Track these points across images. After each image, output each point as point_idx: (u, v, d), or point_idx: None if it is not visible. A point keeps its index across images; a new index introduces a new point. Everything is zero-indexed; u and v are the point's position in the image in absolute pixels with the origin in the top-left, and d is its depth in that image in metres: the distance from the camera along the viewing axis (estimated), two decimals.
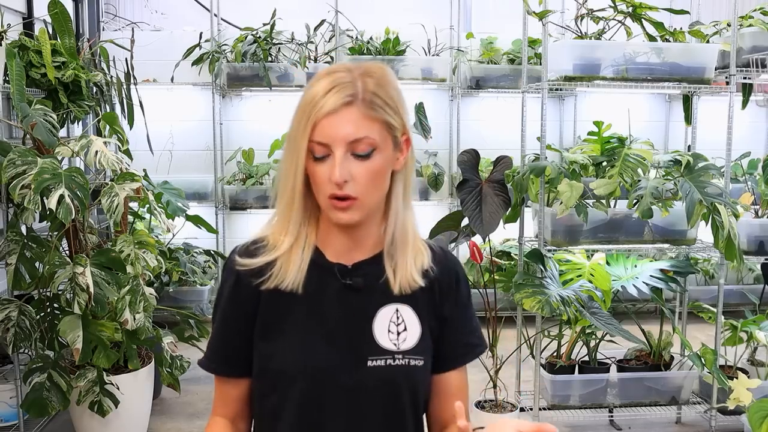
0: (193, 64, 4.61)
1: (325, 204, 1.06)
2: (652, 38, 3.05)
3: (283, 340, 1.11)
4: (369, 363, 1.09)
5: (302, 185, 1.07)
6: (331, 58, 4.65)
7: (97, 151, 2.72)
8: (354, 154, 1.03)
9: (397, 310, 1.13)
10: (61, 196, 2.49)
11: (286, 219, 1.11)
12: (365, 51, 4.59)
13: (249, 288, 1.12)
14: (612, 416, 3.26)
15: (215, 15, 4.59)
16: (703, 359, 3.12)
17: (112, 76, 3.43)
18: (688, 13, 3.17)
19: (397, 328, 1.12)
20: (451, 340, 1.18)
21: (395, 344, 1.11)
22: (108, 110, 3.39)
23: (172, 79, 4.60)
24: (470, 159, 3.03)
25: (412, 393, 1.12)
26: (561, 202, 2.82)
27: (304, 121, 1.03)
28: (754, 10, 3.20)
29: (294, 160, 1.06)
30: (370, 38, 4.66)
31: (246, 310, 1.13)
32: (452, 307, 1.17)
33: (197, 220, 3.90)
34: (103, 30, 4.59)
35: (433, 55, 4.76)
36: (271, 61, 4.51)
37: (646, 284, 3.01)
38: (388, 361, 1.10)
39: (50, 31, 3.17)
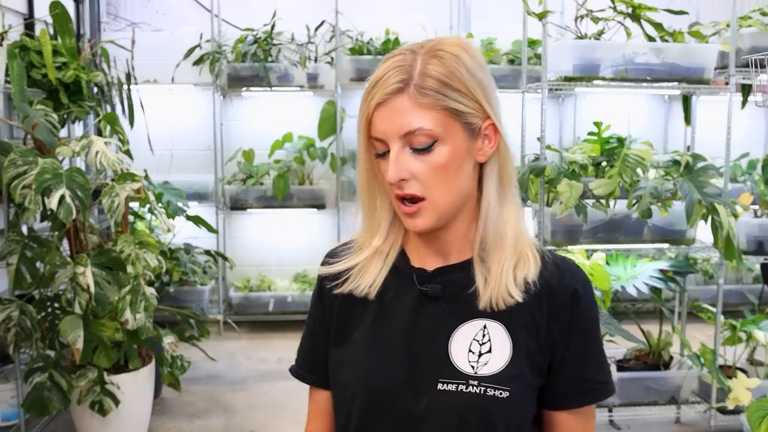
0: (193, 65, 4.62)
1: (397, 209, 0.94)
2: (651, 39, 3.06)
3: (350, 351, 0.99)
4: (439, 386, 0.92)
5: (374, 184, 0.97)
6: (332, 58, 4.66)
7: (97, 152, 2.72)
8: (412, 148, 0.90)
9: (484, 327, 0.94)
10: (62, 197, 2.49)
11: (368, 219, 1.00)
12: (365, 51, 4.59)
13: (329, 292, 1.03)
14: (611, 416, 3.26)
15: (216, 15, 4.60)
16: (702, 359, 3.13)
17: (112, 77, 3.43)
18: (687, 13, 3.18)
19: (480, 349, 0.93)
20: (563, 373, 0.96)
21: (473, 367, 0.93)
22: (109, 110, 3.40)
23: (172, 80, 4.61)
24: None
25: (486, 430, 0.91)
26: (560, 202, 2.82)
27: (362, 115, 0.92)
28: (753, 11, 3.20)
29: (360, 160, 0.96)
30: (370, 39, 4.67)
31: (327, 316, 1.04)
32: (563, 331, 0.95)
33: (198, 220, 3.91)
34: (104, 30, 4.60)
35: None
36: (272, 62, 4.51)
37: (646, 284, 3.02)
38: (460, 387, 0.92)
39: (51, 32, 3.18)
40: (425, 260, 0.99)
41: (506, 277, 0.94)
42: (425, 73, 0.88)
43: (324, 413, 1.06)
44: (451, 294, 0.96)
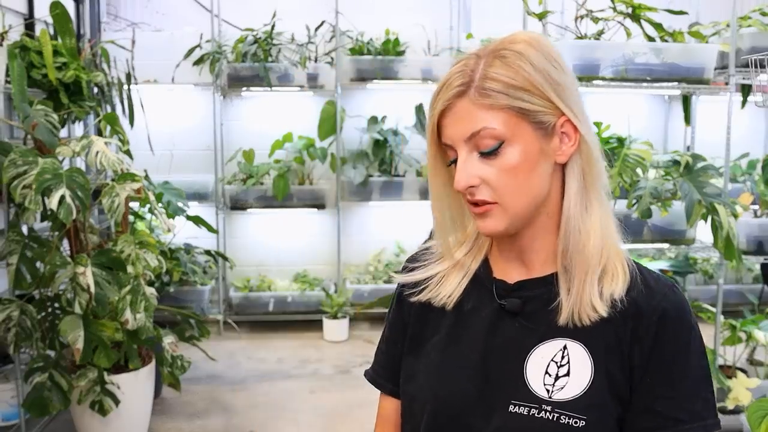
0: (193, 65, 4.62)
1: (471, 212, 0.90)
2: (651, 39, 3.06)
3: (423, 361, 0.95)
4: (511, 408, 0.86)
5: (446, 192, 0.92)
6: (332, 58, 4.66)
7: (97, 152, 2.72)
8: (480, 152, 0.85)
9: (564, 348, 0.86)
10: (62, 197, 2.49)
11: (441, 228, 0.95)
12: (365, 51, 4.60)
13: (407, 299, 0.99)
14: None
15: (216, 15, 4.60)
16: None
17: (113, 77, 3.44)
18: (687, 13, 3.18)
19: (557, 371, 0.86)
20: (636, 404, 0.85)
21: (548, 391, 0.85)
22: (109, 111, 3.40)
23: (172, 80, 4.61)
24: None
25: None
26: None
27: (429, 122, 0.89)
28: (753, 11, 3.21)
29: (430, 167, 0.92)
30: (371, 39, 4.67)
31: (404, 323, 1.00)
32: (644, 357, 0.85)
33: (198, 220, 3.91)
34: (104, 30, 4.60)
35: (433, 56, 4.77)
36: (272, 62, 4.52)
37: None
38: (533, 411, 0.85)
39: (51, 32, 3.18)
40: (508, 271, 0.93)
41: (590, 288, 0.85)
42: (486, 75, 0.84)
43: (392, 423, 1.03)
44: (531, 310, 0.90)
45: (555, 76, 0.85)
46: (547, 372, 0.86)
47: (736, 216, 2.87)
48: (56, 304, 2.89)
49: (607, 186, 0.90)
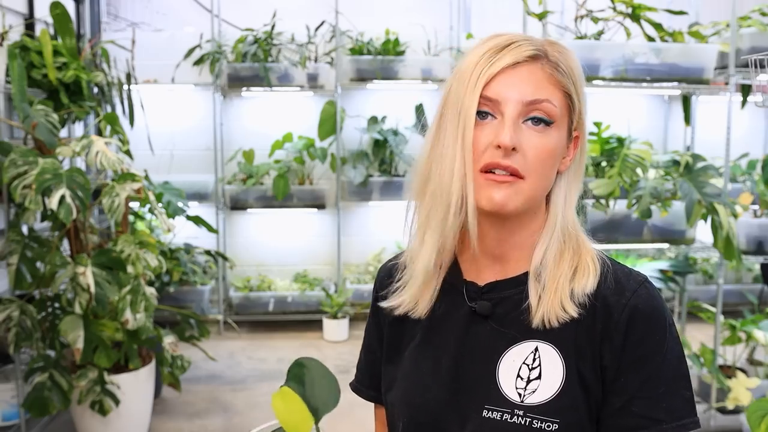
0: (193, 65, 4.63)
1: (477, 181, 0.82)
2: (651, 39, 3.06)
3: (400, 369, 0.94)
4: (485, 413, 0.84)
5: (471, 159, 0.82)
6: (332, 58, 4.66)
7: (98, 152, 2.73)
8: (529, 118, 0.82)
9: (536, 350, 0.85)
10: (62, 197, 2.50)
11: (438, 218, 0.86)
12: (365, 52, 4.60)
13: (382, 309, 0.98)
14: None
15: (216, 16, 4.60)
16: (702, 359, 3.14)
17: (113, 77, 3.44)
18: (686, 14, 3.18)
19: (529, 374, 0.84)
20: (610, 404, 0.83)
21: (520, 395, 0.84)
22: (109, 111, 3.41)
23: (172, 80, 4.61)
24: None
25: None
26: None
27: (474, 78, 0.82)
28: (753, 11, 3.21)
29: (459, 130, 0.83)
30: (370, 39, 4.67)
31: (381, 331, 0.99)
32: (615, 355, 0.82)
33: (198, 220, 3.91)
34: (104, 30, 4.60)
35: (433, 56, 4.77)
36: (272, 62, 4.52)
37: None
38: (505, 416, 0.83)
39: (51, 32, 3.18)
40: (480, 272, 0.90)
41: (561, 290, 0.84)
42: (560, 53, 0.85)
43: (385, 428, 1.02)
44: (502, 312, 0.88)
45: (584, 89, 0.87)
46: (518, 375, 0.84)
47: (735, 216, 2.87)
48: (56, 304, 2.89)
49: (579, 195, 0.92)
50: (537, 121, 0.82)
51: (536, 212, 0.88)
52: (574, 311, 0.83)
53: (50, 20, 3.16)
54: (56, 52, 3.06)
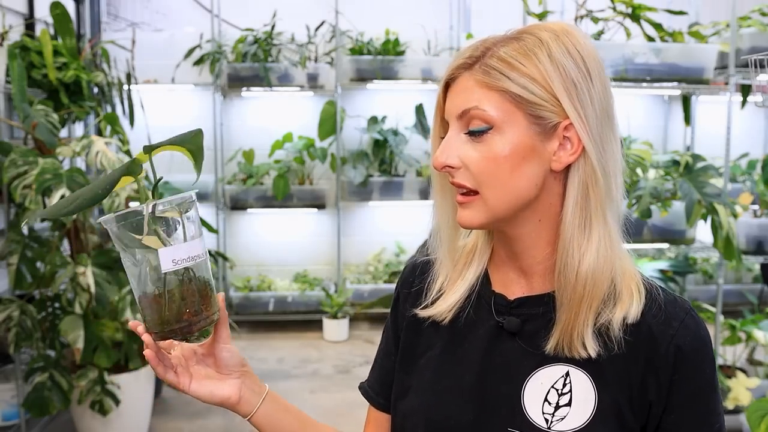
0: (194, 65, 4.63)
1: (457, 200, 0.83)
2: (651, 39, 3.07)
3: (416, 379, 0.88)
4: None
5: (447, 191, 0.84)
6: (332, 58, 4.67)
7: (98, 152, 2.73)
8: (467, 132, 0.79)
9: (567, 375, 0.79)
10: (63, 196, 2.50)
11: (447, 237, 0.87)
12: (365, 52, 4.60)
13: (404, 306, 0.93)
14: None
15: (216, 16, 4.60)
16: None
17: (113, 77, 3.44)
18: (686, 14, 3.18)
19: (558, 400, 0.79)
20: None
21: (547, 421, 0.79)
22: (109, 111, 3.41)
23: (172, 80, 4.61)
24: None
25: None
26: None
27: (437, 96, 0.84)
28: (753, 11, 3.21)
29: (433, 150, 0.84)
30: (370, 39, 4.67)
31: (398, 335, 0.94)
32: (663, 391, 0.78)
33: None
34: (104, 30, 4.60)
35: (433, 56, 4.78)
36: (272, 62, 4.52)
37: None
38: None
39: (52, 32, 3.18)
40: (508, 285, 0.85)
41: (582, 321, 0.77)
42: (495, 54, 0.78)
43: None
44: (531, 330, 0.82)
45: (572, 74, 0.76)
46: (546, 400, 0.79)
47: (735, 216, 2.87)
48: (56, 304, 2.89)
49: (619, 212, 0.81)
50: (471, 133, 0.78)
51: (542, 221, 0.81)
52: (593, 351, 0.78)
53: (50, 20, 3.16)
54: (56, 52, 3.06)
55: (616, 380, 0.78)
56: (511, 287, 0.85)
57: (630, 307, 0.78)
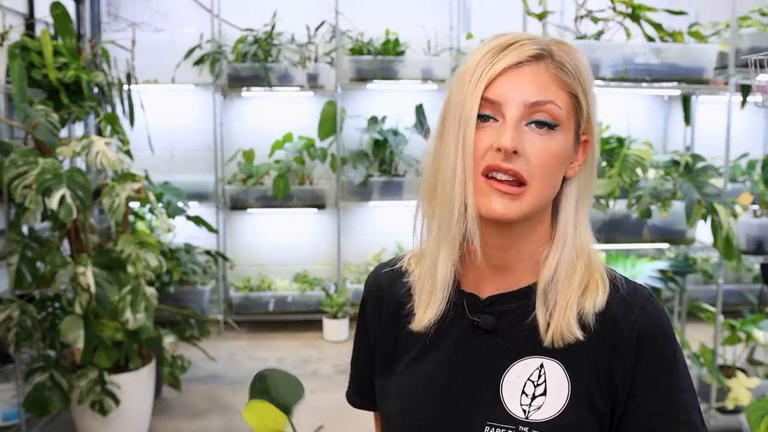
0: (194, 65, 4.63)
1: (479, 187, 0.79)
2: (650, 39, 3.07)
3: (395, 383, 0.90)
4: (487, 430, 0.83)
5: (472, 163, 0.79)
6: (332, 58, 4.67)
7: (98, 152, 2.73)
8: (531, 122, 0.79)
9: (541, 366, 0.83)
10: (63, 197, 2.50)
11: (443, 228, 0.83)
12: (365, 52, 4.60)
13: (373, 315, 0.96)
14: None
15: (216, 16, 4.60)
16: (701, 359, 3.14)
17: (113, 77, 3.44)
18: (686, 14, 3.18)
19: (534, 390, 0.83)
20: (629, 424, 0.82)
21: (525, 411, 0.82)
22: (109, 111, 3.41)
23: (173, 80, 4.61)
24: None
25: None
26: None
27: (475, 79, 0.79)
28: (753, 11, 3.21)
29: (460, 135, 0.80)
30: (371, 39, 4.67)
31: (368, 341, 0.97)
32: (628, 374, 0.82)
33: (198, 220, 3.91)
34: (104, 31, 4.60)
35: (433, 56, 4.78)
36: (272, 62, 4.52)
37: (645, 284, 3.02)
38: None
39: (52, 32, 3.19)
40: (481, 284, 0.87)
41: (570, 311, 0.82)
42: (565, 53, 0.81)
43: None
44: (505, 325, 0.85)
45: (593, 90, 0.83)
46: (523, 392, 0.83)
47: (735, 216, 2.88)
48: (56, 304, 2.89)
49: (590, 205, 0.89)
50: (541, 124, 0.79)
51: (542, 220, 0.84)
52: (581, 334, 0.81)
53: (50, 20, 3.16)
54: (56, 52, 3.06)
55: (585, 368, 0.82)
56: (484, 286, 0.87)
57: (597, 297, 0.83)
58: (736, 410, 3.02)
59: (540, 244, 0.85)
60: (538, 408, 0.82)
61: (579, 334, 0.81)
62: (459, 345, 0.86)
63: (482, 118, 0.80)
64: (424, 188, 0.87)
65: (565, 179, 0.84)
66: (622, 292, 0.84)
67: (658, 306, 0.85)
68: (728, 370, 3.18)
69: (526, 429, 0.81)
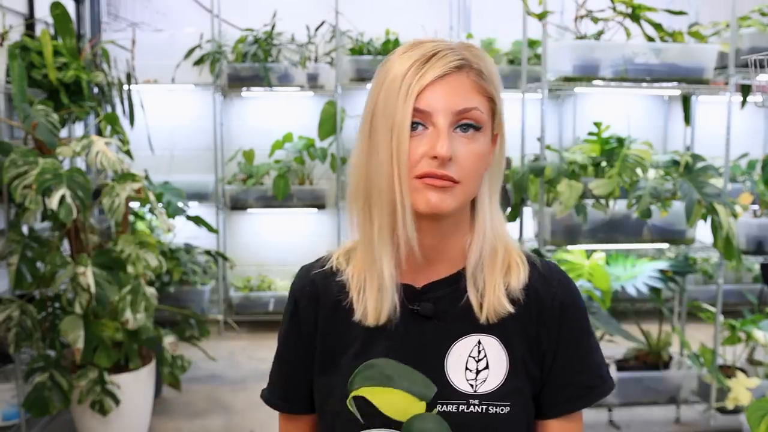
0: (194, 65, 4.63)
1: (414, 186, 0.86)
2: (651, 39, 3.07)
3: (340, 377, 0.93)
4: (439, 408, 0.89)
5: (407, 171, 0.85)
6: (332, 58, 4.67)
7: (98, 152, 2.73)
8: (458, 127, 0.86)
9: (479, 343, 0.91)
10: (63, 197, 2.50)
11: (378, 228, 0.90)
12: (365, 52, 4.60)
13: (308, 315, 0.99)
14: (611, 416, 3.27)
15: (216, 16, 4.60)
16: (701, 359, 3.14)
17: (113, 77, 3.44)
18: (686, 14, 3.18)
19: (477, 365, 0.91)
20: (554, 381, 0.93)
21: (472, 386, 0.90)
22: (109, 111, 3.41)
23: (173, 80, 4.61)
24: None
25: None
26: (560, 202, 2.83)
27: (404, 91, 0.85)
28: (753, 11, 3.21)
29: (393, 144, 0.85)
30: (371, 39, 4.67)
31: (303, 341, 0.99)
32: (552, 340, 0.93)
33: (198, 220, 3.91)
34: (104, 31, 4.60)
35: None
36: (272, 62, 4.52)
37: (645, 284, 3.02)
38: (461, 407, 0.89)
39: (52, 32, 3.19)
40: (415, 274, 0.94)
41: (499, 289, 0.91)
42: (481, 60, 0.89)
43: None
44: (442, 310, 0.92)
45: (501, 89, 0.91)
46: (467, 368, 0.91)
47: (735, 216, 2.88)
48: (57, 304, 2.89)
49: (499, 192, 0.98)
50: (466, 128, 0.87)
51: (465, 212, 0.93)
52: (511, 308, 0.91)
53: (50, 20, 3.16)
54: (56, 53, 3.06)
55: (518, 338, 0.92)
56: (418, 276, 0.94)
57: (520, 274, 0.93)
58: (736, 410, 3.02)
59: (464, 233, 0.93)
60: (484, 380, 0.90)
61: (510, 308, 0.91)
62: (402, 333, 0.92)
63: (413, 125, 0.86)
64: (355, 190, 0.93)
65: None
66: (539, 268, 0.95)
67: (569, 278, 0.97)
68: (728, 370, 3.18)
69: (476, 401, 0.89)
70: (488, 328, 0.91)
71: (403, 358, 0.91)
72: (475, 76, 0.88)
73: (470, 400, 0.89)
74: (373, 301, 0.92)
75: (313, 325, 0.98)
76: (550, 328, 0.93)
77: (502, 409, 0.89)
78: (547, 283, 0.94)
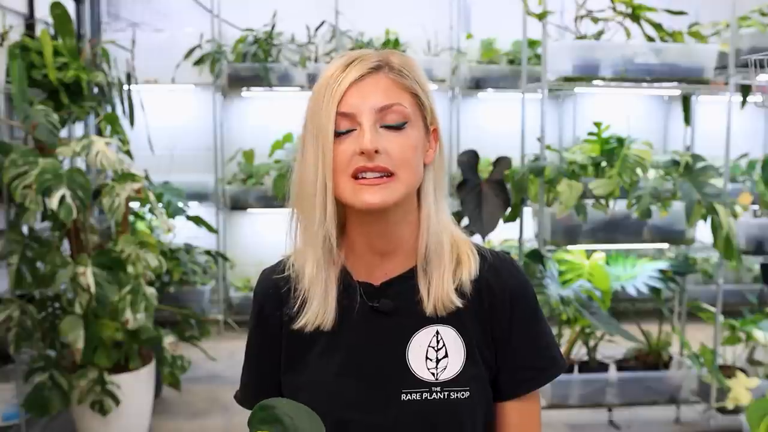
0: (194, 65, 4.63)
1: (350, 188, 0.90)
2: (651, 39, 3.07)
3: (308, 376, 0.98)
4: (403, 397, 0.94)
5: (332, 177, 0.91)
6: (332, 59, 4.66)
7: (98, 152, 2.73)
8: (384, 125, 0.91)
9: (437, 333, 0.96)
10: (63, 197, 2.50)
11: (310, 231, 0.94)
12: None
13: (273, 318, 1.02)
14: (611, 415, 3.27)
15: (216, 16, 4.60)
16: (701, 359, 3.14)
17: (113, 77, 3.44)
18: (686, 14, 3.18)
19: (436, 355, 0.96)
20: (508, 365, 0.99)
21: (434, 374, 0.95)
22: (109, 111, 3.41)
23: (173, 80, 4.61)
24: (470, 159, 3.04)
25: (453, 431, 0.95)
26: (560, 202, 2.83)
27: (327, 97, 0.93)
28: (753, 11, 3.21)
29: (319, 147, 0.91)
30: (371, 39, 4.67)
31: (271, 343, 1.03)
32: (505, 327, 0.98)
33: (198, 220, 3.91)
34: (105, 31, 4.60)
35: (433, 56, 4.77)
36: (272, 62, 4.52)
37: (645, 284, 3.02)
38: (425, 395, 0.94)
39: (52, 32, 3.18)
40: (370, 272, 0.98)
41: (447, 283, 0.95)
42: (400, 60, 0.94)
43: None
44: (399, 305, 0.97)
45: (430, 88, 0.97)
46: (427, 357, 0.96)
47: (735, 216, 2.88)
48: (57, 304, 2.89)
49: (446, 193, 1.02)
50: (394, 123, 0.91)
51: (410, 208, 0.96)
52: (459, 302, 0.96)
53: (50, 20, 3.16)
54: (56, 53, 3.06)
55: (472, 328, 0.97)
56: (375, 273, 0.98)
57: (471, 267, 0.97)
58: (736, 410, 3.01)
59: (413, 229, 0.97)
60: (444, 368, 0.95)
61: (458, 302, 0.95)
62: (363, 330, 0.97)
63: (343, 131, 0.91)
64: (291, 197, 0.97)
65: (425, 166, 0.96)
66: (490, 260, 0.99)
67: (519, 267, 1.03)
68: (728, 370, 3.18)
69: (438, 389, 0.94)
70: (446, 320, 0.96)
71: (366, 353, 0.96)
72: (395, 75, 0.92)
73: (432, 388, 0.94)
74: (320, 305, 0.96)
75: (279, 327, 1.01)
76: (502, 316, 0.98)
77: (462, 394, 0.94)
78: (497, 274, 0.99)
